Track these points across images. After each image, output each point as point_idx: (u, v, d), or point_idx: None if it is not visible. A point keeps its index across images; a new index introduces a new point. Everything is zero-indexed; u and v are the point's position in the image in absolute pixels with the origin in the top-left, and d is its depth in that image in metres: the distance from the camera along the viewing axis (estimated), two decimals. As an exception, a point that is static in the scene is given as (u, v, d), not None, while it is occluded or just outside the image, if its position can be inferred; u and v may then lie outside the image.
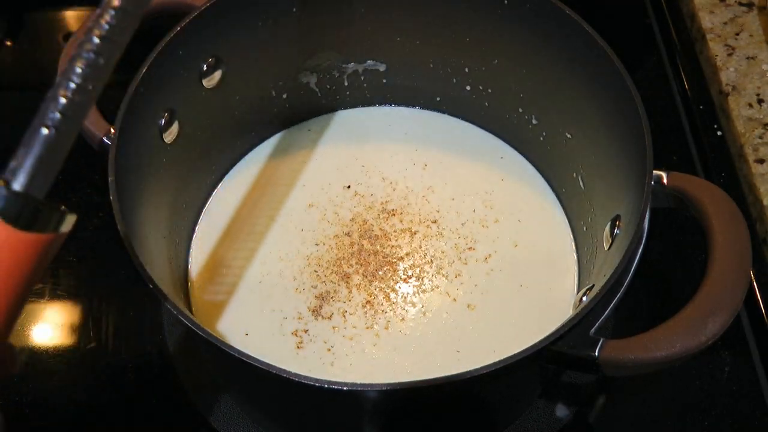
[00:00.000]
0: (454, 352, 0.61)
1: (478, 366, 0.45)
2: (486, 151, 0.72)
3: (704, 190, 0.50)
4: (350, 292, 0.64)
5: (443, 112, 0.75)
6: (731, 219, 0.48)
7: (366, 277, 0.64)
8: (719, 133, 0.77)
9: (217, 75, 0.63)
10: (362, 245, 0.66)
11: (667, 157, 0.76)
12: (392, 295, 0.63)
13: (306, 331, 0.62)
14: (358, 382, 0.45)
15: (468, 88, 0.71)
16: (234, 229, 0.68)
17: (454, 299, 0.64)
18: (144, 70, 0.55)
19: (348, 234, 0.67)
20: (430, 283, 0.64)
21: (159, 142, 0.59)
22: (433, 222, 0.68)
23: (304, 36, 0.67)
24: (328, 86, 0.73)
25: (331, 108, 0.75)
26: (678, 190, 0.51)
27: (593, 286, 0.57)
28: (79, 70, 0.34)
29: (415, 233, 0.67)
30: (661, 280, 0.69)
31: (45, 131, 0.34)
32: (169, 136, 0.60)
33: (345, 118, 0.75)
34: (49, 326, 0.68)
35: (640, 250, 0.50)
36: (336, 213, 0.68)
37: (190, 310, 0.64)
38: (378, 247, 0.66)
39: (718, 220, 0.48)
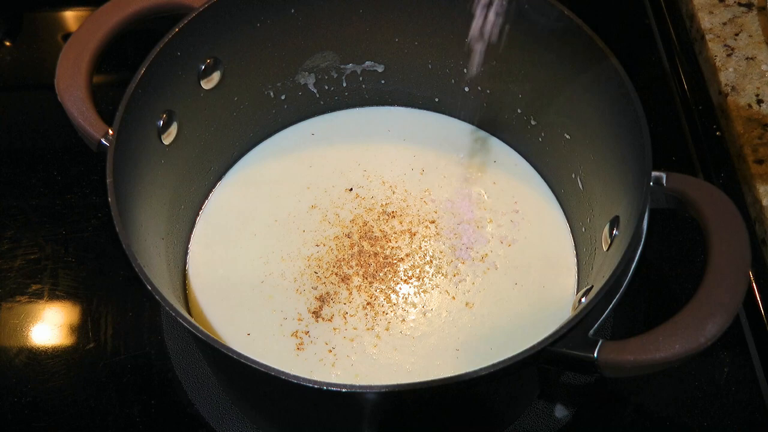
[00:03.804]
0: (454, 350, 0.61)
1: (476, 365, 0.45)
2: (484, 151, 0.72)
3: (703, 191, 0.50)
4: (350, 293, 0.64)
5: (442, 113, 0.75)
6: (730, 220, 0.48)
7: (366, 278, 0.64)
8: (718, 133, 0.77)
9: (216, 76, 0.63)
10: (362, 246, 0.66)
11: (666, 157, 0.76)
12: (393, 296, 0.64)
13: (307, 332, 0.62)
14: (357, 384, 0.45)
15: (466, 89, 0.71)
16: (233, 230, 0.68)
17: (453, 297, 0.64)
18: (142, 72, 0.55)
19: (348, 235, 0.67)
20: (430, 282, 0.64)
21: (157, 144, 0.59)
22: (431, 222, 0.68)
23: (303, 37, 0.67)
24: (327, 87, 0.73)
25: (330, 109, 0.75)
26: (677, 191, 0.51)
27: (592, 287, 0.57)
28: None
29: (414, 234, 0.67)
30: (660, 281, 0.69)
31: None
32: (168, 137, 0.60)
33: (344, 118, 0.75)
34: (49, 327, 0.68)
35: (639, 251, 0.50)
36: (337, 214, 0.68)
37: (189, 311, 0.64)
38: (378, 248, 0.66)
39: (717, 221, 0.48)
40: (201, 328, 0.46)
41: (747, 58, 0.78)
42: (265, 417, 0.62)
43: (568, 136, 0.65)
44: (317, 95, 0.73)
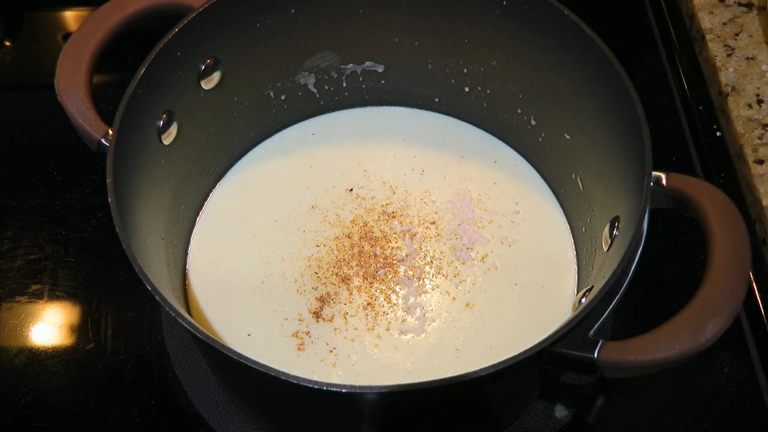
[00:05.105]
0: (454, 350, 0.61)
1: (477, 365, 0.45)
2: (484, 151, 0.72)
3: (703, 191, 0.50)
4: (351, 294, 0.64)
5: (442, 113, 0.75)
6: (730, 220, 0.48)
7: (366, 279, 0.64)
8: (718, 133, 0.77)
9: (216, 76, 0.63)
10: (363, 247, 0.66)
11: (667, 157, 0.76)
12: (393, 296, 0.64)
13: (308, 333, 0.62)
14: (358, 384, 0.45)
15: (466, 89, 0.71)
16: (233, 230, 0.68)
17: (454, 298, 0.64)
18: (142, 72, 0.55)
19: (348, 236, 0.67)
20: (431, 283, 0.64)
21: (157, 144, 0.59)
22: (431, 223, 0.68)
23: (303, 37, 0.67)
24: (327, 87, 0.72)
25: (330, 109, 0.75)
26: (677, 191, 0.51)
27: (592, 287, 0.57)
28: None
29: (414, 235, 0.67)
30: (660, 281, 0.69)
31: None
32: (168, 137, 0.60)
33: (344, 118, 0.75)
34: (48, 327, 0.68)
35: (639, 252, 0.50)
36: (337, 215, 0.68)
37: (189, 311, 0.64)
38: (378, 249, 0.66)
39: (717, 221, 0.48)
40: (201, 328, 0.46)
41: (747, 58, 0.78)
42: (265, 417, 0.62)
43: (568, 136, 0.65)
44: (317, 95, 0.73)
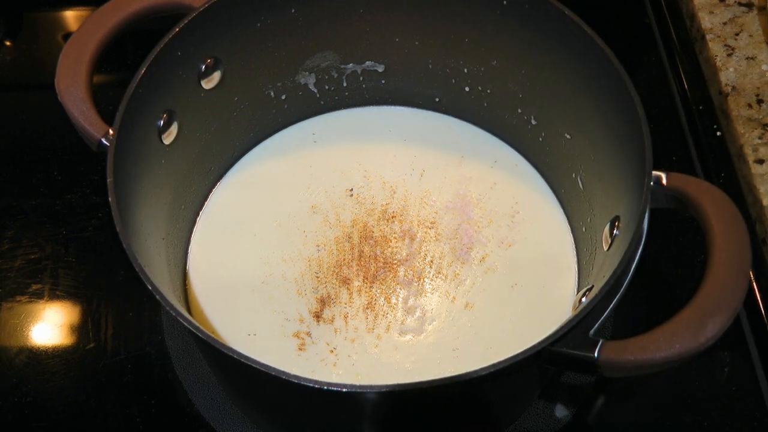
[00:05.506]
0: (453, 350, 0.61)
1: (476, 365, 0.45)
2: (485, 151, 0.72)
3: (703, 191, 0.50)
4: (351, 295, 0.64)
5: (442, 113, 0.75)
6: (730, 220, 0.48)
7: (366, 280, 0.64)
8: (719, 133, 0.77)
9: (216, 76, 0.63)
10: (363, 249, 0.66)
11: (667, 157, 0.76)
12: (393, 297, 0.63)
13: (308, 333, 0.62)
14: (358, 383, 0.45)
15: (467, 88, 0.71)
16: (233, 230, 0.68)
17: (453, 298, 0.64)
18: (142, 71, 0.55)
19: (349, 237, 0.67)
20: (431, 284, 0.64)
21: (157, 143, 0.59)
22: (431, 224, 0.68)
23: (303, 37, 0.67)
24: (327, 87, 0.72)
25: (330, 108, 0.75)
26: (677, 191, 0.51)
27: (592, 287, 0.57)
28: None
29: (414, 236, 0.67)
30: (660, 281, 0.69)
31: None
32: (168, 137, 0.60)
33: (344, 118, 0.75)
34: (49, 327, 0.68)
35: (639, 251, 0.50)
36: (337, 215, 0.68)
37: (189, 311, 0.64)
38: (378, 250, 0.66)
39: (717, 221, 0.48)
40: (202, 328, 0.46)
41: (747, 58, 0.78)
42: (265, 417, 0.62)
43: (568, 136, 0.65)
44: (317, 95, 0.73)
